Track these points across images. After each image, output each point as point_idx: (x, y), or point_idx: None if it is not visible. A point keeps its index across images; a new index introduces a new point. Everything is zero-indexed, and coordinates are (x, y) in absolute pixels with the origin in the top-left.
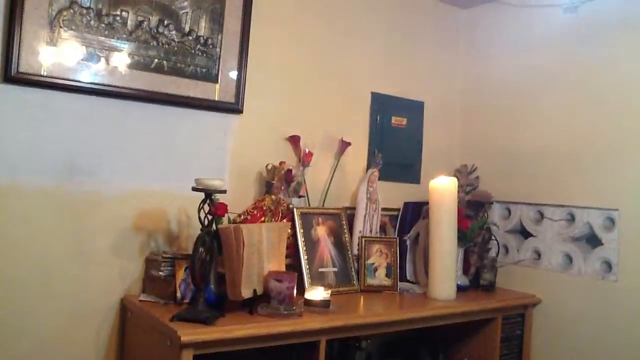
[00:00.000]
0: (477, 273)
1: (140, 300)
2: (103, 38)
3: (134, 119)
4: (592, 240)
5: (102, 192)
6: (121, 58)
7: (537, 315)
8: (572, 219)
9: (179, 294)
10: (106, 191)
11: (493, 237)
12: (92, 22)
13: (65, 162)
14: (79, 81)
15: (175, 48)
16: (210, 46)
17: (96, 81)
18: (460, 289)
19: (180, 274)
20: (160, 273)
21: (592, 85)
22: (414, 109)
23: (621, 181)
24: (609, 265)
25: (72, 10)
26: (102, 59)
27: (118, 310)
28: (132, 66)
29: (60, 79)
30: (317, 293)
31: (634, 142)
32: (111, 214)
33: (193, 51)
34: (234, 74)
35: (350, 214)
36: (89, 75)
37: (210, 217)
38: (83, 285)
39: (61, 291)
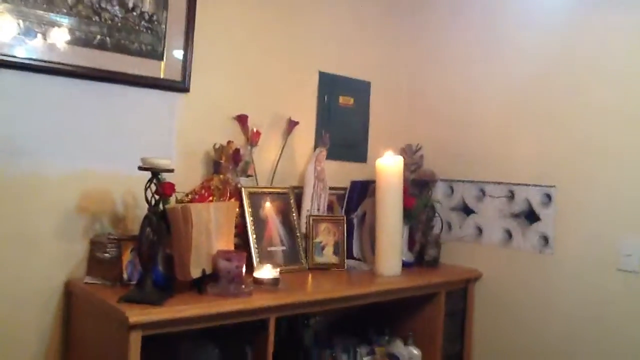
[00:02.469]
0: (422, 249)
1: (86, 283)
2: (41, 12)
3: (76, 98)
4: (530, 216)
5: (43, 174)
6: (61, 34)
7: (479, 289)
8: (511, 196)
9: (125, 276)
10: (48, 173)
11: (437, 215)
12: None
13: (3, 143)
14: (15, 56)
15: (119, 24)
16: (156, 23)
17: (34, 57)
18: (405, 265)
19: (127, 256)
20: (106, 255)
21: (529, 64)
22: (361, 89)
23: (558, 159)
24: (545, 240)
25: None
26: (40, 35)
27: (62, 294)
28: (73, 42)
29: None
30: (266, 271)
31: (568, 121)
32: (53, 196)
33: (137, 27)
34: (179, 52)
35: (298, 193)
36: (25, 50)
37: (157, 197)
38: (24, 270)
39: (4, 272)
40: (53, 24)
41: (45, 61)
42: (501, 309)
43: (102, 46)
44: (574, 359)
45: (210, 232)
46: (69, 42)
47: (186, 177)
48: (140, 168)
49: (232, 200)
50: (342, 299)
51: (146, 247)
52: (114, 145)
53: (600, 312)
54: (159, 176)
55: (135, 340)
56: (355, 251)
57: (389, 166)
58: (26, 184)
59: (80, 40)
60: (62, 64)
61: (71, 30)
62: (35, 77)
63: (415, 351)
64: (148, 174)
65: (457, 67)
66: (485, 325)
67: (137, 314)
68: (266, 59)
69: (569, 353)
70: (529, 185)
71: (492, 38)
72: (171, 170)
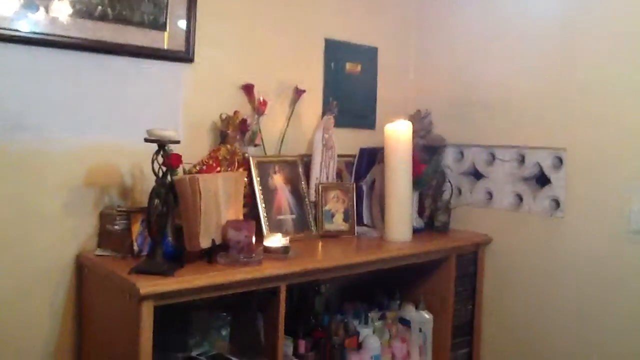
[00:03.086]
0: (432, 215)
1: (97, 255)
2: None
3: (79, 71)
4: (541, 180)
5: (49, 149)
6: (62, 6)
7: (489, 253)
8: (522, 159)
9: (136, 248)
10: (54, 148)
11: (447, 180)
12: None
13: (7, 120)
14: (17, 30)
15: None
16: None
17: (36, 30)
18: (415, 231)
19: (137, 228)
20: (116, 227)
21: (540, 31)
22: (368, 55)
23: (569, 122)
24: (556, 203)
25: None
26: (42, 8)
27: (74, 268)
28: (74, 14)
29: None
30: (275, 240)
31: (579, 84)
32: (61, 172)
33: None
34: (183, 22)
35: (306, 161)
36: (27, 24)
37: (164, 168)
38: (35, 245)
39: (11, 253)
40: None
41: (47, 34)
42: (512, 273)
43: (103, 17)
44: (584, 321)
45: (219, 202)
46: (71, 15)
47: (193, 148)
48: (146, 140)
49: (240, 170)
50: (352, 266)
51: (155, 219)
52: (120, 118)
53: (610, 274)
54: (166, 148)
55: (147, 311)
56: (365, 218)
57: (397, 132)
58: (32, 159)
59: (81, 12)
60: (64, 36)
61: (72, 2)
62: (37, 51)
63: (427, 315)
64: (155, 146)
65: (466, 30)
66: (496, 288)
67: (148, 285)
68: (271, 26)
69: (579, 315)
70: (540, 148)
71: (501, 6)
72: (177, 142)
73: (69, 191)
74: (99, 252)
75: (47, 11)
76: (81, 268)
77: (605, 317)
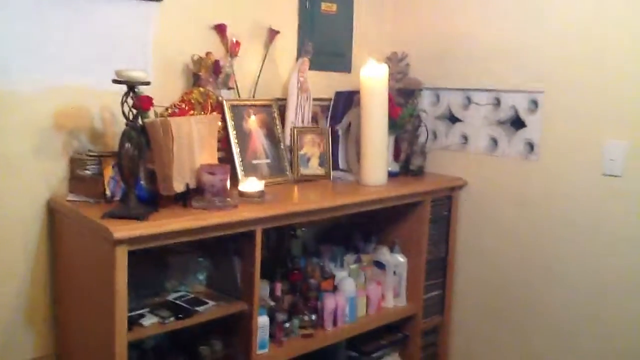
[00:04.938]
0: (407, 159)
1: (68, 201)
2: None
3: (44, 9)
4: (516, 123)
5: (16, 90)
6: None
7: (464, 196)
8: (497, 103)
9: (108, 192)
10: (21, 89)
11: (422, 124)
12: None
13: None
14: None
15: None
16: None
17: None
18: (391, 175)
19: (108, 172)
20: (87, 172)
21: None
22: None
23: (545, 64)
24: (531, 146)
25: None
26: None
27: (45, 214)
28: None
29: None
30: (251, 184)
31: (557, 25)
32: (28, 114)
33: None
34: None
35: (281, 105)
36: None
37: (134, 111)
38: (4, 190)
39: None
40: None
41: None
42: (486, 215)
43: None
44: (559, 262)
45: (193, 146)
46: None
47: (164, 90)
48: (114, 81)
49: (214, 113)
50: (328, 209)
51: (127, 163)
52: (88, 59)
53: (584, 215)
54: (136, 89)
55: (121, 256)
56: (341, 162)
57: (373, 76)
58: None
59: None
60: None
61: None
62: None
63: (401, 258)
64: (125, 88)
65: None
66: (470, 231)
67: (121, 230)
68: None
69: (553, 256)
70: (516, 91)
71: None
72: (147, 83)
73: (37, 134)
74: (70, 197)
75: None
76: (53, 213)
77: (580, 257)
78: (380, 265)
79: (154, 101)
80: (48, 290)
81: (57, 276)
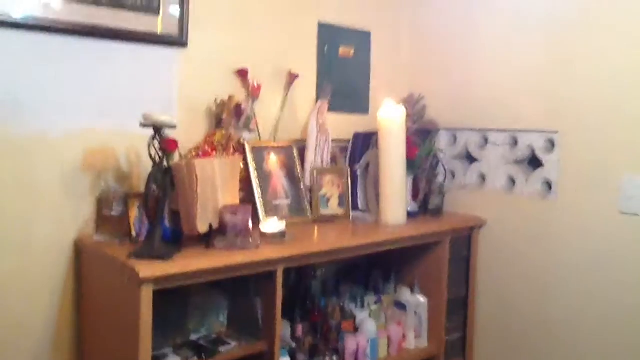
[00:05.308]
0: (426, 198)
1: (95, 241)
2: None
3: (75, 55)
4: (534, 162)
5: (46, 131)
6: None
7: (483, 235)
8: (514, 142)
9: (133, 233)
10: (51, 131)
11: (440, 163)
12: None
13: (4, 103)
14: (10, 16)
15: None
16: None
17: (30, 15)
18: (410, 214)
19: (134, 212)
20: (113, 212)
21: (535, 10)
22: (361, 39)
23: (561, 104)
24: (549, 185)
25: None
26: None
27: (72, 252)
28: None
29: None
30: (272, 224)
31: (569, 67)
32: (58, 154)
33: None
34: (176, 6)
35: (301, 146)
36: (21, 9)
37: (161, 153)
38: (33, 228)
39: (9, 235)
40: None
41: (42, 19)
42: (505, 255)
43: (97, 2)
44: (577, 302)
45: (216, 186)
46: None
47: (188, 132)
48: (142, 125)
49: (236, 155)
50: (348, 249)
51: (152, 203)
52: (115, 103)
53: (603, 255)
54: (162, 132)
55: (146, 295)
56: (360, 202)
57: (391, 117)
58: (31, 142)
59: None
60: (59, 21)
61: None
62: (32, 36)
63: (422, 298)
64: (151, 131)
65: (459, 13)
66: (490, 271)
67: (147, 269)
68: (264, 10)
69: (571, 296)
70: (532, 131)
71: None
72: (174, 126)
73: (66, 175)
74: (97, 237)
75: None
76: (80, 253)
77: (599, 298)
78: (400, 305)
79: (178, 143)
80: (73, 328)
81: (83, 315)
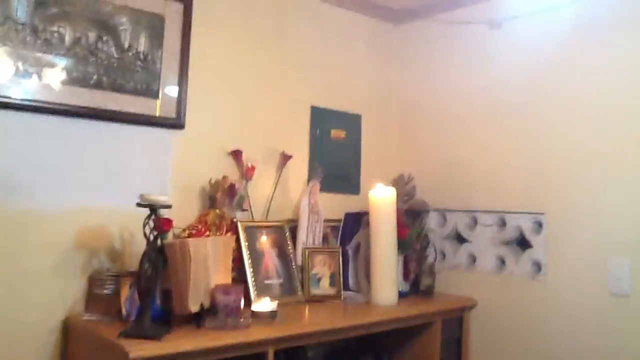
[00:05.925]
0: (417, 279)
1: (84, 319)
2: (39, 54)
3: (73, 136)
4: (522, 243)
5: (41, 210)
6: (58, 74)
7: (475, 316)
8: (503, 223)
9: (124, 312)
10: (45, 209)
11: (430, 244)
12: (27, 38)
13: (1, 181)
14: (10, 97)
15: (115, 64)
16: (150, 62)
17: (31, 97)
18: (401, 295)
19: (125, 291)
20: (105, 291)
21: (518, 96)
22: (352, 122)
23: (546, 187)
24: (538, 266)
25: (6, 26)
26: (35, 75)
27: (60, 331)
28: (70, 82)
29: None
30: (263, 304)
31: (555, 152)
32: (51, 233)
33: (133, 67)
34: (174, 90)
35: (293, 225)
36: (22, 91)
37: (155, 232)
38: (21, 306)
39: None
40: (50, 64)
41: (42, 101)
42: (497, 336)
43: (98, 85)
44: None
45: (208, 266)
46: (66, 82)
47: (182, 211)
48: (139, 205)
49: (229, 234)
50: (340, 330)
51: (145, 282)
52: (111, 182)
53: (594, 336)
54: (157, 212)
55: None
56: (351, 282)
57: (381, 198)
58: (24, 219)
59: (76, 80)
60: (59, 103)
61: (68, 71)
62: (32, 117)
63: None
64: (145, 210)
65: (447, 97)
66: (482, 352)
67: (137, 349)
68: (259, 95)
69: None
70: (520, 212)
71: (481, 70)
72: (169, 206)
73: (58, 253)
74: (87, 316)
75: (40, 78)
76: (68, 331)
77: None
78: None
79: (173, 222)
80: None
81: None
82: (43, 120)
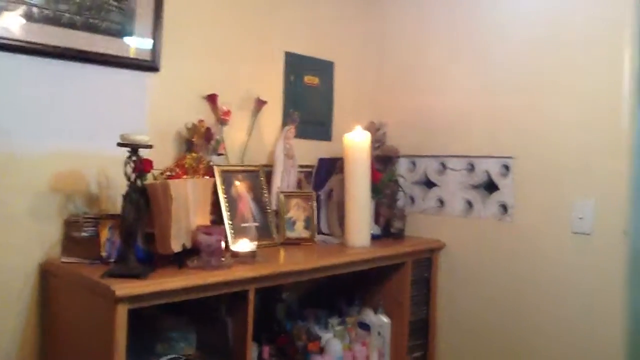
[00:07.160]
0: (388, 222)
1: (63, 262)
2: None
3: (46, 77)
4: (490, 187)
5: (15, 153)
6: (29, 11)
7: (443, 257)
8: (471, 168)
9: (104, 254)
10: (20, 153)
11: (401, 189)
12: None
13: None
14: None
15: (88, 3)
16: (125, 1)
17: (1, 35)
18: (373, 237)
19: (105, 234)
20: (83, 234)
21: (485, 44)
22: (325, 69)
23: (514, 132)
24: (504, 208)
25: None
26: (6, 12)
27: (37, 274)
28: (41, 20)
29: None
30: (243, 245)
31: (523, 97)
32: (26, 177)
33: (107, 6)
34: (149, 31)
35: (268, 171)
36: None
37: (136, 173)
38: None
39: None
40: (22, 2)
41: (12, 39)
42: (464, 275)
43: (71, 25)
44: (533, 319)
45: (189, 207)
46: (37, 20)
47: (159, 155)
48: (119, 144)
49: (207, 177)
50: (319, 269)
51: (127, 223)
52: (86, 125)
53: (556, 273)
54: (138, 153)
55: (121, 314)
56: (323, 226)
57: (357, 142)
58: None
59: (48, 19)
60: (29, 42)
61: (39, 8)
62: (2, 56)
63: (385, 319)
64: (122, 153)
65: (421, 45)
66: (449, 291)
67: (122, 287)
68: (234, 39)
69: (527, 313)
70: (488, 157)
71: (457, 17)
72: (150, 146)
73: (34, 196)
74: (65, 259)
75: (14, 16)
76: (46, 275)
77: (552, 313)
78: (364, 326)
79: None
80: (40, 352)
81: (49, 338)
82: (15, 60)
